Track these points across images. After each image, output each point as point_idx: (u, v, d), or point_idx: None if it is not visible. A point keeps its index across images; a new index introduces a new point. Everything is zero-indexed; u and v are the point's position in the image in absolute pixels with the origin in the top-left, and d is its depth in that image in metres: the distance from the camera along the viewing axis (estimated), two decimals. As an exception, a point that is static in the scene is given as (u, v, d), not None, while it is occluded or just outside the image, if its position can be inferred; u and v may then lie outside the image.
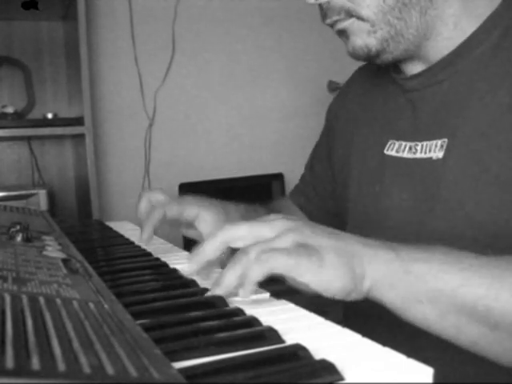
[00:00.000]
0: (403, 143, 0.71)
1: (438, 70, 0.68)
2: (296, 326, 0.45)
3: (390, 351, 0.38)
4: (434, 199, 0.65)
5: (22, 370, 0.26)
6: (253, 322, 0.44)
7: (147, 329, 0.39)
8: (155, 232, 0.75)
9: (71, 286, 0.45)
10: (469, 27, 0.65)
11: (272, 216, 0.54)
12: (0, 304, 0.36)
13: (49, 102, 1.86)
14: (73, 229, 0.99)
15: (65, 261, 0.55)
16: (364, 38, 0.66)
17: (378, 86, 0.81)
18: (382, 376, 0.35)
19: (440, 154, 0.65)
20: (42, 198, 1.60)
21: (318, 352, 0.37)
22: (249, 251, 0.49)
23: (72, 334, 0.33)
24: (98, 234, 1.03)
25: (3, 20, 1.78)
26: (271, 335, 0.41)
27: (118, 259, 0.73)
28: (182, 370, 0.33)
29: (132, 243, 0.85)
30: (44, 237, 0.67)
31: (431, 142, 0.67)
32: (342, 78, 2.03)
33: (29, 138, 1.82)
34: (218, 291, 0.50)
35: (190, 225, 0.77)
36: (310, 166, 0.96)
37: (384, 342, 0.40)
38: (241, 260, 0.48)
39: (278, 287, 0.53)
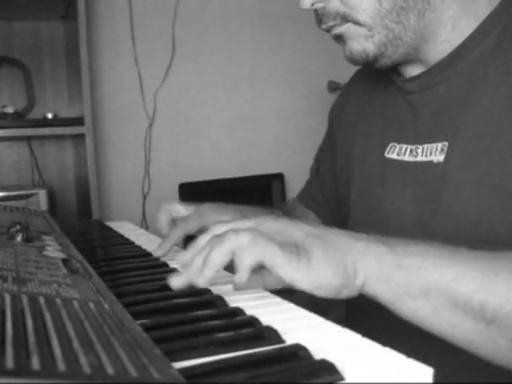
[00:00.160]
0: (404, 146, 0.71)
1: (437, 72, 0.68)
2: (296, 326, 0.45)
3: (390, 351, 0.38)
4: (436, 203, 0.65)
5: (22, 370, 0.26)
6: (253, 321, 0.44)
7: (147, 329, 0.39)
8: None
9: (71, 285, 0.45)
10: (467, 28, 0.65)
11: (260, 218, 0.53)
12: (0, 304, 0.36)
13: (49, 102, 1.86)
14: (73, 229, 0.99)
15: (65, 261, 0.55)
16: (361, 43, 0.66)
17: (377, 87, 0.80)
18: (382, 376, 0.35)
19: (441, 158, 0.65)
20: (42, 198, 1.60)
21: (318, 352, 0.37)
22: (241, 234, 0.48)
23: (72, 334, 0.33)
24: (97, 233, 1.03)
25: (3, 20, 1.78)
26: (271, 335, 0.41)
27: (118, 259, 0.73)
28: (182, 370, 0.33)
29: (132, 243, 0.85)
30: (44, 237, 0.67)
31: (432, 144, 0.67)
32: (342, 78, 2.04)
33: (29, 138, 1.82)
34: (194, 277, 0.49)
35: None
36: (315, 169, 0.96)
37: (385, 341, 0.40)
38: (230, 239, 0.48)
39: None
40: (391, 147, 0.73)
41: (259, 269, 0.50)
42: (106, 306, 0.42)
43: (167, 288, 0.56)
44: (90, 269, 0.55)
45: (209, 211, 0.77)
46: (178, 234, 0.74)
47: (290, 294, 0.52)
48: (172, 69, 2.04)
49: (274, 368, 0.35)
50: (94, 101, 1.79)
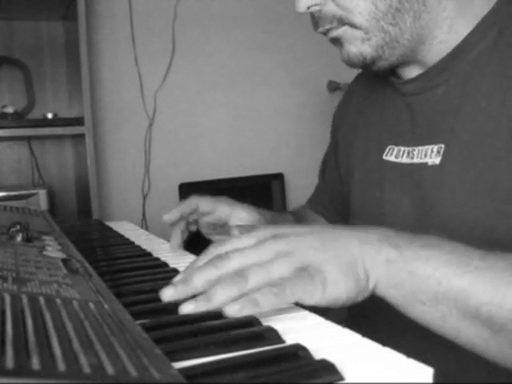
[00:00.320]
0: (402, 148, 0.71)
1: (434, 73, 0.67)
2: (296, 326, 0.45)
3: (390, 351, 0.38)
4: (433, 205, 0.65)
5: (22, 370, 0.26)
6: (253, 321, 0.44)
7: (147, 329, 0.39)
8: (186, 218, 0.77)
9: (71, 285, 0.45)
10: (464, 29, 0.64)
11: (260, 231, 0.52)
12: (0, 304, 0.36)
13: (49, 102, 1.86)
14: (73, 229, 0.99)
15: (65, 261, 0.55)
16: (358, 46, 0.65)
17: (376, 90, 0.80)
18: (382, 376, 0.35)
19: (437, 160, 0.65)
20: (42, 198, 1.60)
21: (318, 352, 0.37)
22: (248, 275, 0.47)
23: (72, 333, 0.33)
24: (97, 233, 1.03)
25: (3, 20, 1.78)
26: (271, 335, 0.41)
27: (118, 259, 0.73)
28: (182, 370, 0.33)
29: (132, 243, 0.85)
30: (44, 237, 0.67)
31: (427, 146, 0.66)
32: (342, 78, 2.04)
33: (29, 138, 1.82)
34: (204, 307, 0.46)
35: (222, 228, 0.78)
36: (322, 173, 0.96)
37: (385, 341, 0.40)
38: (239, 282, 0.46)
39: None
40: (389, 150, 0.73)
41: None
42: (106, 305, 0.42)
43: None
44: (90, 269, 0.55)
45: (223, 198, 0.81)
46: (191, 204, 0.75)
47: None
48: (172, 69, 2.04)
49: (273, 368, 0.35)
50: (93, 101, 1.80)
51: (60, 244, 0.65)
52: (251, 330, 0.43)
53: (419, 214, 0.67)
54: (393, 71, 0.73)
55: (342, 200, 0.89)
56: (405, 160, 0.70)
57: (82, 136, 1.62)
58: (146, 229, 1.87)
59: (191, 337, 0.41)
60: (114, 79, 1.97)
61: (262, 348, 0.39)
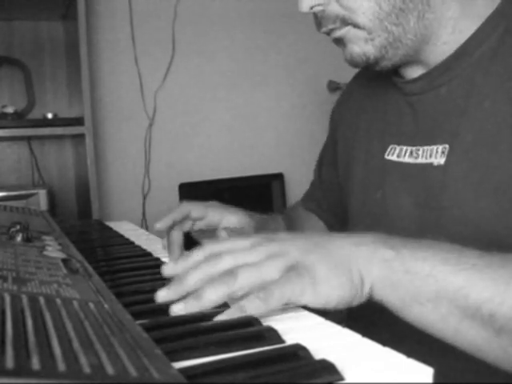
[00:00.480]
0: (404, 148, 0.71)
1: (438, 74, 0.67)
2: (296, 326, 0.45)
3: (390, 351, 0.38)
4: (437, 206, 0.64)
5: (22, 370, 0.26)
6: (253, 321, 0.44)
7: (147, 329, 0.39)
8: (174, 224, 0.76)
9: (71, 286, 0.45)
10: (468, 29, 0.64)
11: (255, 238, 0.52)
12: (0, 304, 0.36)
13: (49, 102, 1.86)
14: (73, 229, 0.99)
15: (65, 261, 0.55)
16: (362, 46, 0.65)
17: (377, 89, 0.80)
18: (382, 376, 0.35)
19: (441, 160, 0.64)
20: (42, 198, 1.60)
21: (318, 352, 0.37)
22: (237, 274, 0.47)
23: (72, 333, 0.33)
24: (97, 233, 1.03)
25: (3, 20, 1.78)
26: (271, 335, 0.41)
27: (118, 259, 0.73)
28: (182, 370, 0.33)
29: (132, 243, 0.85)
30: (44, 237, 0.67)
31: (432, 147, 0.66)
32: (342, 78, 2.04)
33: (29, 138, 1.82)
34: (195, 307, 0.47)
35: (213, 233, 0.78)
36: (318, 172, 0.96)
37: (385, 341, 0.40)
38: (228, 281, 0.47)
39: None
40: (391, 149, 0.73)
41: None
42: (106, 305, 0.42)
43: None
44: (90, 269, 0.55)
45: (215, 203, 0.81)
46: (182, 211, 0.75)
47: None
48: (172, 69, 2.04)
49: (274, 368, 0.35)
50: (93, 101, 1.79)
51: (60, 244, 0.65)
52: (251, 330, 0.43)
53: (422, 213, 0.67)
54: (395, 70, 0.72)
55: (337, 197, 0.89)
56: (407, 159, 0.70)
57: (82, 136, 1.62)
58: (146, 229, 1.86)
59: (191, 337, 0.41)
60: (114, 79, 1.96)
61: (262, 348, 0.39)
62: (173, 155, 2.05)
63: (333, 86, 2.14)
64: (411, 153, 0.69)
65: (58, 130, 1.62)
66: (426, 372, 0.35)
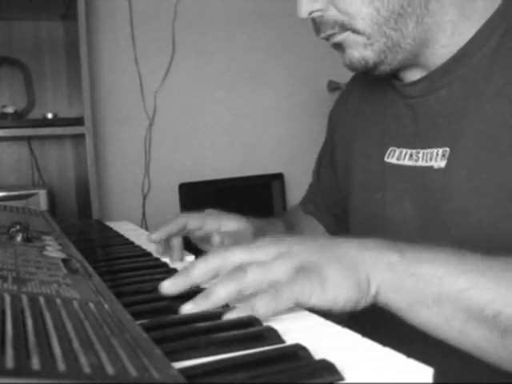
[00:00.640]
0: (404, 150, 0.71)
1: (438, 77, 0.67)
2: (296, 326, 0.45)
3: (390, 351, 0.38)
4: (439, 209, 0.64)
5: (22, 370, 0.26)
6: (253, 321, 0.44)
7: (147, 329, 0.39)
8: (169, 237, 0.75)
9: (71, 286, 0.45)
10: (467, 32, 0.64)
11: (263, 240, 0.52)
12: (0, 304, 0.36)
13: (49, 102, 1.86)
14: (73, 229, 0.99)
15: (65, 261, 0.55)
16: (361, 51, 0.65)
17: (376, 91, 0.80)
18: (382, 376, 0.35)
19: (442, 164, 0.64)
20: (42, 198, 1.60)
21: (318, 352, 0.37)
22: (246, 270, 0.47)
23: (72, 333, 0.33)
24: (97, 234, 1.03)
25: (3, 20, 1.78)
26: (271, 335, 0.41)
27: (118, 259, 0.73)
28: (182, 370, 0.33)
29: (132, 243, 0.85)
30: (44, 237, 0.67)
31: (432, 150, 0.66)
32: (342, 78, 2.04)
33: (29, 138, 1.82)
34: (205, 305, 0.47)
35: (208, 240, 0.77)
36: (317, 173, 0.96)
37: (385, 341, 0.39)
38: (237, 277, 0.47)
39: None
40: (391, 151, 0.73)
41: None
42: (106, 305, 0.42)
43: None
44: (90, 269, 0.55)
45: (211, 211, 0.80)
46: (178, 223, 0.74)
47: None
48: (172, 69, 2.04)
49: (274, 368, 0.35)
50: (93, 101, 1.79)
51: (60, 244, 0.65)
52: (251, 330, 0.43)
53: (423, 216, 0.67)
54: (394, 74, 0.72)
55: (336, 198, 0.89)
56: (407, 162, 0.69)
57: (82, 136, 1.62)
58: (146, 229, 1.86)
59: (191, 337, 0.41)
60: (114, 79, 1.96)
61: (262, 348, 0.39)
62: (173, 155, 2.05)
63: (333, 86, 2.14)
64: (411, 155, 0.69)
65: (58, 130, 1.62)
66: (426, 372, 0.35)
